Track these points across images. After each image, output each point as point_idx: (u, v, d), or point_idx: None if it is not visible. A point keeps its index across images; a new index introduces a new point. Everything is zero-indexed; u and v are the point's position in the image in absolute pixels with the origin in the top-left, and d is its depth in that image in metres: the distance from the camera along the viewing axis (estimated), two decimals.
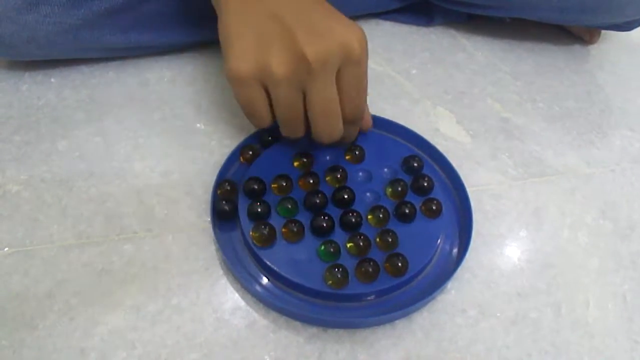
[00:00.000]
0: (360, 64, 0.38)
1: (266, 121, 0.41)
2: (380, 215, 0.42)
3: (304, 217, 0.41)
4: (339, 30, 0.36)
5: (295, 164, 0.45)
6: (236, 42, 0.37)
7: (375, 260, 0.39)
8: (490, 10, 0.62)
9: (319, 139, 0.41)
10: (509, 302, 0.42)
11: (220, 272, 0.41)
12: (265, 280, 0.40)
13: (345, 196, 0.42)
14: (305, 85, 0.37)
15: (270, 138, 0.47)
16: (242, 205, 0.41)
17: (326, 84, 0.37)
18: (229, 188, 0.43)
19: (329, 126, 0.40)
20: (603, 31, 0.67)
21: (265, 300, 0.39)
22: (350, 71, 0.37)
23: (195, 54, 0.57)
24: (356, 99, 0.39)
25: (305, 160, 0.45)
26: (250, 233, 0.40)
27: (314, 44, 0.35)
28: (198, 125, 0.51)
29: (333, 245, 0.39)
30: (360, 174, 0.45)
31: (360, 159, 0.46)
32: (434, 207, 0.43)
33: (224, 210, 0.42)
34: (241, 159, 0.47)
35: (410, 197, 0.44)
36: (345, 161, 0.46)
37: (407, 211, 0.42)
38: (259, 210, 0.41)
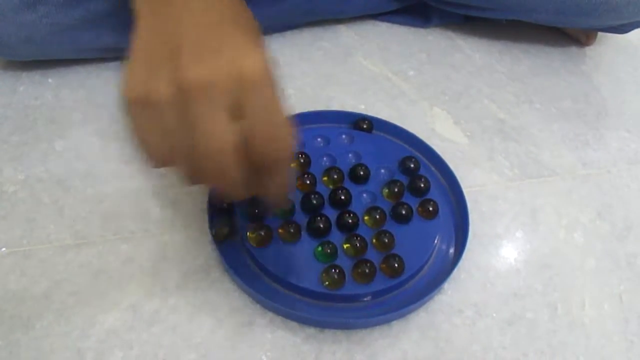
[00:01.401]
0: (260, 95, 0.31)
1: (157, 154, 0.33)
2: (377, 216, 0.42)
3: (300, 218, 0.41)
4: (233, 53, 0.31)
5: (292, 164, 0.45)
6: (131, 63, 0.33)
7: (371, 261, 0.39)
8: (487, 12, 0.62)
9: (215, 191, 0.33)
10: (506, 302, 0.42)
11: (217, 272, 0.41)
12: (262, 280, 0.40)
13: (342, 197, 0.42)
14: (188, 115, 0.31)
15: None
16: (240, 206, 0.41)
17: (205, 113, 0.30)
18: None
19: (211, 168, 0.32)
20: (599, 33, 0.67)
21: (262, 301, 0.39)
22: (249, 104, 0.31)
23: None
24: (262, 139, 0.32)
25: (302, 161, 0.45)
26: (247, 234, 0.40)
27: (195, 67, 0.30)
28: None
29: (330, 246, 0.39)
30: (357, 175, 0.45)
31: (357, 160, 0.46)
32: (430, 208, 0.43)
33: (222, 209, 0.42)
34: None
35: (407, 198, 0.44)
36: (341, 162, 0.46)
37: (403, 212, 0.42)
38: (256, 211, 0.41)
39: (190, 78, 0.30)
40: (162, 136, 0.33)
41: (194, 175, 0.34)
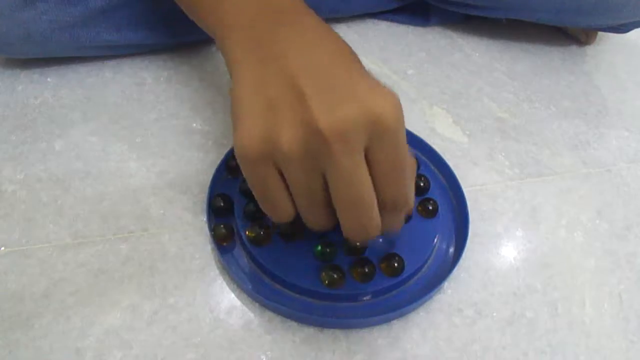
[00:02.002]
0: (396, 137, 0.30)
1: (284, 210, 0.33)
2: None
3: (300, 217, 0.41)
4: (365, 96, 0.29)
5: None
6: (245, 114, 0.31)
7: (371, 260, 0.39)
8: (487, 11, 0.62)
9: (349, 236, 0.33)
10: (506, 301, 0.42)
11: (217, 271, 0.41)
12: (261, 280, 0.40)
13: None
14: (323, 166, 0.30)
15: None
16: (239, 205, 0.41)
17: (349, 163, 0.29)
18: (221, 200, 0.43)
19: (358, 218, 0.31)
20: (599, 32, 0.67)
21: (261, 300, 0.39)
22: (384, 146, 0.30)
23: (191, 54, 0.57)
24: (396, 180, 0.31)
25: None
26: (247, 233, 0.40)
27: (330, 114, 0.29)
28: (194, 124, 0.51)
29: (329, 245, 0.39)
30: None
31: None
32: (430, 207, 0.43)
33: (220, 208, 0.42)
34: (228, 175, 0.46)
35: None
36: None
37: None
38: (255, 209, 0.41)
39: (326, 126, 0.28)
40: (286, 188, 0.32)
41: (326, 222, 0.34)
